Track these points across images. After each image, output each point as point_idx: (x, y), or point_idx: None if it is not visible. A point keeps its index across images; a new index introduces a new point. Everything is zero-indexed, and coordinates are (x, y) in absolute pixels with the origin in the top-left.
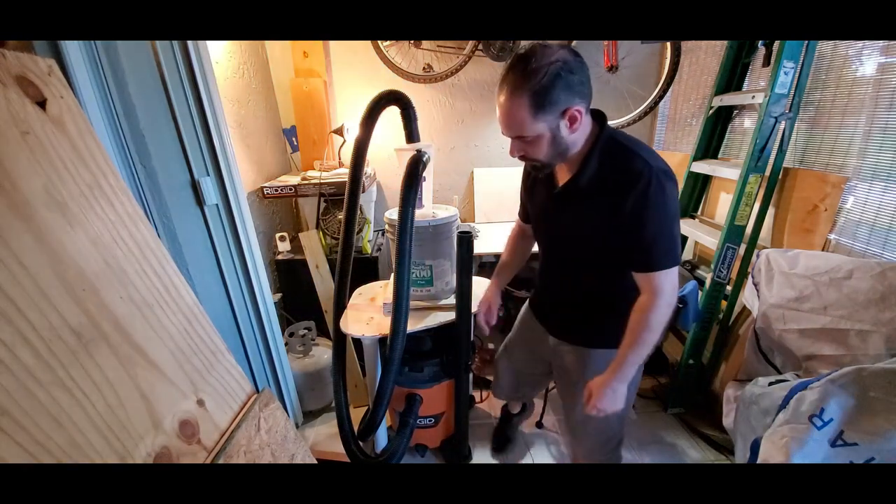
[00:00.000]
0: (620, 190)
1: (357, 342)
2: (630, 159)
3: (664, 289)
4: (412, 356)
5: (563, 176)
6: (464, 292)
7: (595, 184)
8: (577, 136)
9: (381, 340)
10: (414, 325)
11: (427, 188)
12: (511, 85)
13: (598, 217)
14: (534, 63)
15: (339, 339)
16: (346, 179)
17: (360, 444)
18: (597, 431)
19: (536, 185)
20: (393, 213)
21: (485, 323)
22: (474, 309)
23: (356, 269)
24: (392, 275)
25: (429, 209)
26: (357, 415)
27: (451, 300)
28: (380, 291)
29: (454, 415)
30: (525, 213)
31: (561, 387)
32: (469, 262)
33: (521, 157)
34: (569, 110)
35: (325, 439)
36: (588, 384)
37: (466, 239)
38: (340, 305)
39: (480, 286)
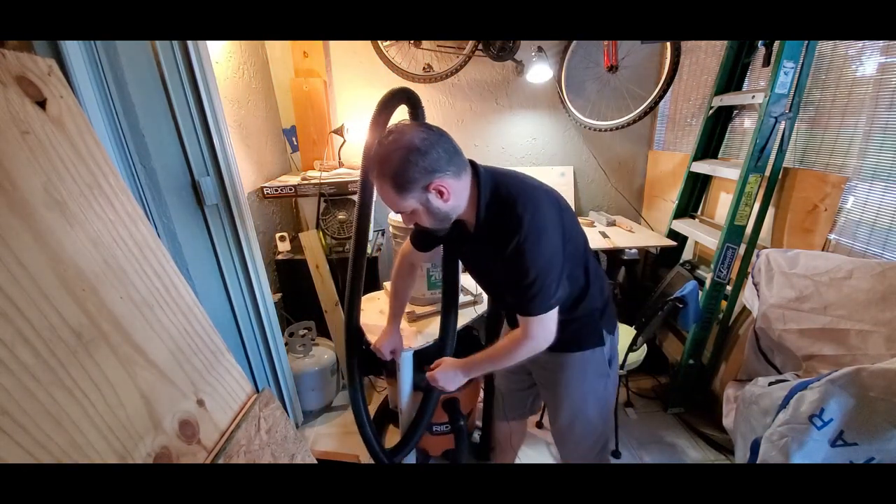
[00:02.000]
0: (503, 240)
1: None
2: (509, 212)
3: (533, 333)
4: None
5: (468, 220)
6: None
7: (487, 232)
8: (454, 201)
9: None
10: (434, 333)
11: None
12: (375, 171)
13: (495, 260)
14: (386, 151)
15: (353, 372)
16: (356, 204)
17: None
18: (581, 436)
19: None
20: (396, 215)
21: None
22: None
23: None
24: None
25: None
26: (344, 419)
27: (467, 298)
28: (383, 304)
29: (484, 413)
30: (420, 240)
31: (544, 393)
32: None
33: (414, 226)
34: (430, 185)
35: (324, 439)
36: (444, 359)
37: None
38: (352, 322)
39: None
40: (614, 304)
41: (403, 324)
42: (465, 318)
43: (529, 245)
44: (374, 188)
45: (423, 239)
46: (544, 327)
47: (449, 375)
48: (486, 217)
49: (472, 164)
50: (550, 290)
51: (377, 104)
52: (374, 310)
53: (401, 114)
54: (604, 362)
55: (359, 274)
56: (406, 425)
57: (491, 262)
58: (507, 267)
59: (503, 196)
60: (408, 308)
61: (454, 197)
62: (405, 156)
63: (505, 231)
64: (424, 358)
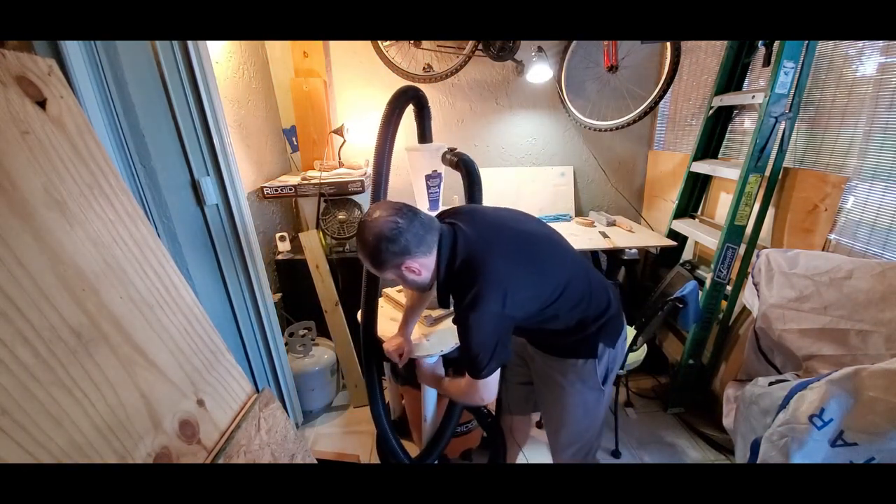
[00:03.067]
0: (456, 304)
1: (355, 340)
2: (460, 285)
3: (470, 391)
4: (456, 360)
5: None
6: None
7: (447, 300)
8: (427, 275)
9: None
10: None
11: (441, 187)
12: (357, 247)
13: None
14: (363, 236)
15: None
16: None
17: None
18: (566, 442)
19: None
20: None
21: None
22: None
23: (356, 270)
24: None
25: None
26: (360, 415)
27: None
28: (390, 310)
29: (495, 402)
30: None
31: (538, 391)
32: None
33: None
34: (401, 265)
35: (324, 439)
36: (423, 365)
37: None
38: (370, 331)
39: None
40: (622, 317)
41: (424, 329)
42: None
43: (466, 320)
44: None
45: None
46: (478, 390)
47: (426, 375)
48: (444, 284)
49: (441, 231)
50: (482, 363)
51: (387, 103)
52: (381, 316)
53: (409, 112)
54: (596, 375)
55: (375, 280)
56: (430, 431)
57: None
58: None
59: (458, 269)
60: (424, 312)
61: (425, 273)
62: (377, 244)
63: (457, 301)
64: (449, 363)
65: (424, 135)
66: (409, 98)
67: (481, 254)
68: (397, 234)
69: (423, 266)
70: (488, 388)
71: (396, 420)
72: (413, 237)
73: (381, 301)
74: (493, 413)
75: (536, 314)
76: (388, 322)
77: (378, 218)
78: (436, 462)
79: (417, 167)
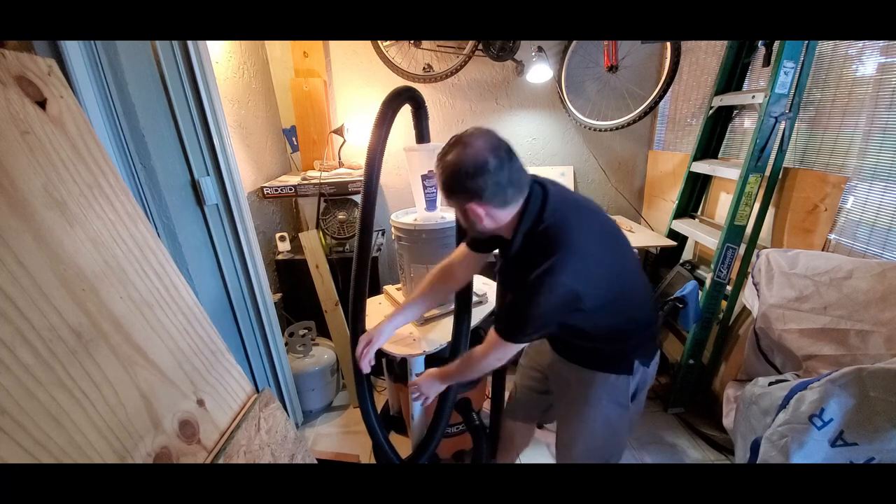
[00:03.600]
0: (524, 269)
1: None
2: (539, 250)
3: (491, 351)
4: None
5: (507, 237)
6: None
7: (516, 257)
8: (490, 224)
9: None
10: (446, 336)
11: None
12: (435, 165)
13: (513, 283)
14: (447, 158)
15: (360, 377)
16: (360, 204)
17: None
18: (579, 458)
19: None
20: (399, 216)
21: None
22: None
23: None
24: (402, 282)
25: (439, 213)
26: (360, 415)
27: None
28: (384, 308)
29: (492, 406)
30: (475, 241)
31: (556, 402)
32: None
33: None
34: (467, 205)
35: (324, 439)
36: (428, 370)
37: None
38: (357, 327)
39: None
40: (659, 337)
41: (411, 328)
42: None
43: (535, 286)
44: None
45: (478, 241)
46: (502, 350)
47: (428, 384)
48: (520, 245)
49: (532, 189)
50: (525, 328)
51: (381, 104)
52: (378, 314)
53: (405, 112)
54: (626, 392)
55: (363, 273)
56: (419, 434)
57: (510, 283)
58: (515, 291)
59: (541, 233)
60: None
61: (488, 221)
62: (455, 171)
63: (528, 264)
64: (437, 363)
65: (422, 135)
66: (404, 99)
67: (569, 226)
68: (478, 173)
69: (490, 216)
70: (509, 352)
71: (395, 416)
72: (493, 185)
73: (381, 298)
74: (488, 418)
75: (596, 307)
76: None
77: (472, 146)
78: (426, 462)
79: (415, 167)
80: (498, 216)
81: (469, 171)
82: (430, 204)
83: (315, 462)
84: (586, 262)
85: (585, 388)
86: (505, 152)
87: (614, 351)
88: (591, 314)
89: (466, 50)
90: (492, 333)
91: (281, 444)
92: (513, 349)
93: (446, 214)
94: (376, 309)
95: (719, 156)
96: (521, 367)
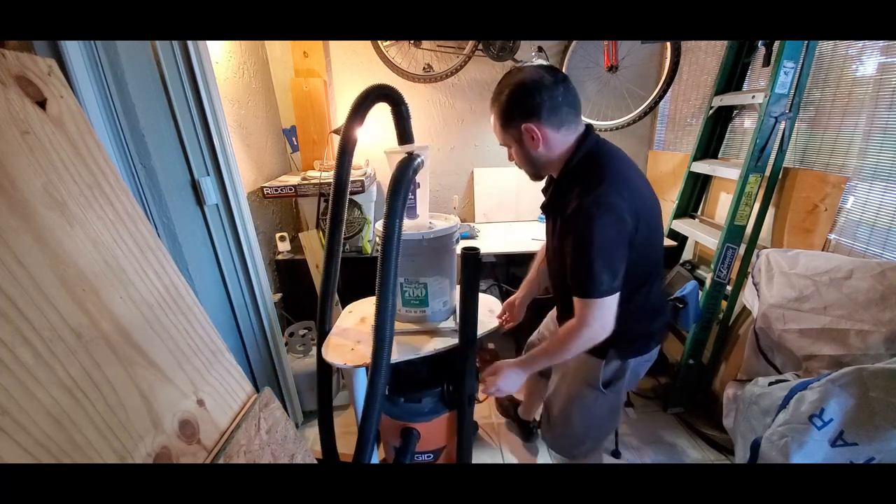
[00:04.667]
0: (567, 201)
1: None
2: (586, 180)
3: (584, 319)
4: (409, 384)
5: (554, 174)
6: (468, 318)
7: (560, 189)
8: (545, 151)
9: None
10: (404, 353)
11: (422, 196)
12: (491, 100)
13: (554, 237)
14: (503, 84)
15: (323, 369)
16: (330, 194)
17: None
18: (560, 434)
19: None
20: (381, 224)
21: (502, 322)
22: (481, 333)
23: (356, 270)
24: (375, 296)
25: (424, 219)
26: (344, 420)
27: (450, 322)
28: (372, 310)
29: (457, 449)
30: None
31: (554, 380)
32: (475, 284)
33: (512, 160)
34: (523, 126)
35: None
36: (497, 363)
37: (473, 257)
38: (323, 330)
39: (485, 306)
40: (656, 339)
41: (367, 339)
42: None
43: (584, 220)
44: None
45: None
46: (597, 315)
47: (508, 377)
48: (565, 174)
49: (589, 129)
50: (599, 276)
51: (350, 107)
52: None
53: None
54: (597, 376)
55: (330, 273)
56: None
57: (555, 238)
58: (561, 238)
59: (591, 166)
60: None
61: (544, 145)
62: (511, 92)
63: (573, 194)
64: (400, 375)
65: (404, 136)
66: (373, 98)
67: (618, 171)
68: (534, 91)
69: (546, 139)
70: (607, 310)
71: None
72: (550, 102)
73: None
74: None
75: (640, 245)
76: (345, 315)
77: (526, 70)
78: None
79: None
80: (553, 140)
81: (527, 86)
82: (410, 211)
83: (315, 462)
84: (632, 190)
85: (566, 365)
86: (560, 74)
87: (627, 337)
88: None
89: (466, 50)
90: (577, 302)
91: (281, 444)
92: (607, 309)
93: (434, 222)
94: (362, 307)
95: (719, 156)
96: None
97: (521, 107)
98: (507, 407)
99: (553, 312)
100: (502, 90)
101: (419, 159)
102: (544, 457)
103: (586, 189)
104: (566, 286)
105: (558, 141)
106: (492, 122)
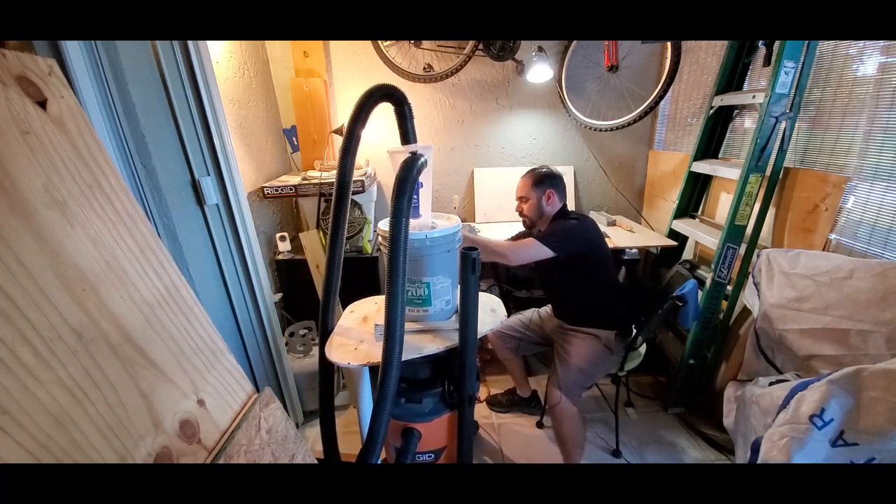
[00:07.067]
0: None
1: None
2: (563, 220)
3: (526, 245)
4: (409, 385)
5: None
6: (468, 318)
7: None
8: (549, 209)
9: (372, 368)
10: (408, 353)
11: (425, 196)
12: (529, 170)
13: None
14: (537, 170)
15: (326, 368)
16: (332, 194)
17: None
18: (566, 374)
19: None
20: (385, 224)
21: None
22: (481, 332)
23: (357, 270)
24: (385, 296)
25: (427, 219)
26: (354, 415)
27: (452, 322)
28: (373, 310)
29: (457, 450)
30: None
31: (557, 347)
32: (475, 284)
33: (519, 213)
34: (546, 191)
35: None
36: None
37: (472, 258)
38: (326, 328)
39: (486, 305)
40: (628, 323)
41: (370, 339)
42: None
43: (559, 224)
44: (521, 181)
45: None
46: (529, 247)
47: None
48: (553, 221)
49: (565, 205)
50: (550, 237)
51: (353, 108)
52: (378, 315)
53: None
54: (611, 343)
55: (333, 270)
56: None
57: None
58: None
59: (567, 216)
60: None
61: (550, 204)
62: (549, 172)
63: (552, 225)
64: (401, 375)
65: (406, 136)
66: (377, 98)
67: (581, 217)
68: (559, 180)
69: (553, 205)
70: (534, 250)
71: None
72: (560, 185)
73: (377, 298)
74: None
75: (599, 263)
76: (346, 316)
77: (549, 168)
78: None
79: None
80: (555, 203)
81: (556, 175)
82: (414, 210)
83: (315, 462)
84: (587, 227)
85: (587, 332)
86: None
87: (611, 317)
88: (595, 271)
89: (467, 50)
90: (530, 239)
91: (281, 444)
92: (535, 249)
93: (437, 221)
94: (373, 309)
95: (720, 156)
96: (517, 335)
97: (550, 181)
98: (502, 400)
99: (548, 308)
100: (541, 168)
101: (423, 159)
102: (544, 457)
103: (560, 222)
104: (559, 293)
105: (556, 205)
106: (521, 183)
